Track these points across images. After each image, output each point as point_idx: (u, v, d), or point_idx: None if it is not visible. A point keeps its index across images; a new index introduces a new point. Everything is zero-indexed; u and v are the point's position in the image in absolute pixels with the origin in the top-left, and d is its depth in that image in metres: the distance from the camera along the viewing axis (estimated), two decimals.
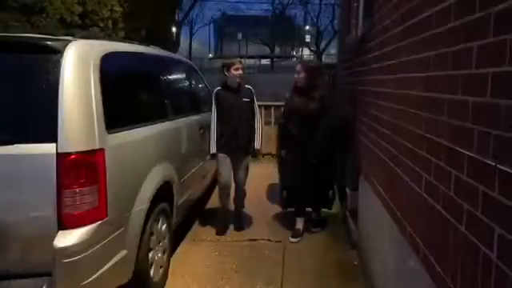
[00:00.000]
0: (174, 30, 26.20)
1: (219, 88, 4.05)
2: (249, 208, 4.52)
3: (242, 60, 4.10)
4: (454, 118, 1.48)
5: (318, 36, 41.18)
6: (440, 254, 1.60)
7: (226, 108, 3.97)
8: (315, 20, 41.46)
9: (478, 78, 1.29)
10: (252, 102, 4.09)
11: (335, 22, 33.96)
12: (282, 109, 4.27)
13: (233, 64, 3.97)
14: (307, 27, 45.48)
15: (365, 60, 3.59)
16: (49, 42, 2.24)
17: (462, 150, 1.39)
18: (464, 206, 1.36)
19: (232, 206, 4.33)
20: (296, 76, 3.92)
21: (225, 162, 4.03)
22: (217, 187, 4.39)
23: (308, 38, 45.73)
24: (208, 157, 4.07)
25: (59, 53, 2.20)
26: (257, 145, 4.09)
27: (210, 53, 49.94)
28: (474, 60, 1.32)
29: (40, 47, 2.23)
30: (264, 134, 7.60)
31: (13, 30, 7.79)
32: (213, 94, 4.04)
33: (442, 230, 1.56)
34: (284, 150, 4.07)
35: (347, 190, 4.09)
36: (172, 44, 21.30)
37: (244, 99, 4.02)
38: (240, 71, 3.98)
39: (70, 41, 2.31)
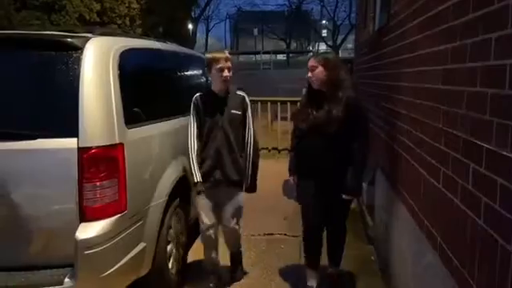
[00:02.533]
0: (190, 26, 26.38)
1: (200, 94, 2.89)
2: (266, 203, 4.53)
3: (228, 54, 2.83)
4: (472, 111, 1.47)
5: (334, 30, 40.81)
6: (457, 247, 1.59)
7: (208, 123, 2.79)
8: (332, 14, 41.10)
9: (496, 70, 1.27)
10: (244, 114, 2.86)
11: (352, 16, 33.61)
12: (292, 126, 2.99)
13: (215, 60, 2.74)
14: (324, 22, 45.14)
15: (382, 54, 3.56)
16: (69, 39, 2.28)
17: (480, 143, 1.38)
18: (482, 198, 1.35)
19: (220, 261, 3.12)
20: (309, 74, 2.68)
21: (206, 200, 2.83)
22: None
23: (325, 33, 45.41)
24: (193, 191, 2.89)
25: (79, 49, 2.24)
26: (247, 176, 2.87)
27: (225, 49, 50.03)
28: (493, 52, 1.30)
29: (61, 44, 2.27)
30: (280, 130, 7.73)
31: (33, 27, 7.95)
32: (191, 102, 2.87)
33: (459, 223, 1.55)
34: (292, 178, 2.97)
35: (363, 184, 4.07)
36: (188, 40, 21.46)
37: (233, 111, 2.81)
38: (226, 72, 2.74)
39: (89, 37, 2.34)
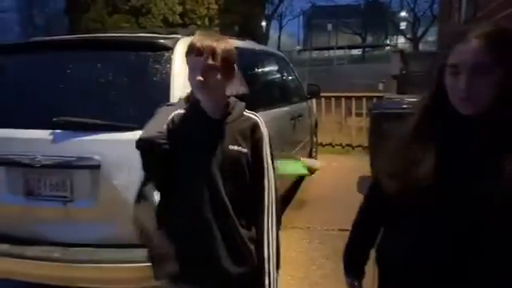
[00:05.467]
0: (263, 24, 26.76)
1: (181, 114, 1.54)
2: (340, 199, 4.52)
3: (216, 42, 1.44)
4: None
5: (414, 22, 38.77)
6: None
7: (185, 167, 1.50)
8: (412, 5, 39.11)
9: None
10: (258, 154, 1.53)
11: (435, 6, 31.74)
12: (368, 188, 1.43)
13: (186, 53, 1.45)
14: (403, 13, 43.10)
15: None
16: (162, 40, 2.51)
17: None
18: None
19: None
20: (464, 86, 1.02)
21: None
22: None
23: (403, 26, 43.35)
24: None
25: (170, 49, 2.45)
26: (269, 268, 1.64)
27: (298, 45, 49.96)
28: None
29: (154, 45, 2.51)
30: (354, 127, 7.59)
31: (124, 30, 8.63)
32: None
33: None
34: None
35: None
36: (262, 38, 21.80)
37: (233, 147, 1.48)
38: (198, 75, 1.39)
39: (179, 38, 2.55)
